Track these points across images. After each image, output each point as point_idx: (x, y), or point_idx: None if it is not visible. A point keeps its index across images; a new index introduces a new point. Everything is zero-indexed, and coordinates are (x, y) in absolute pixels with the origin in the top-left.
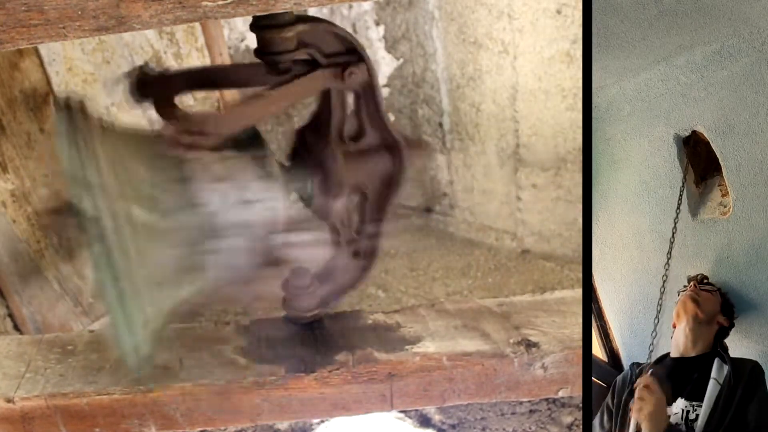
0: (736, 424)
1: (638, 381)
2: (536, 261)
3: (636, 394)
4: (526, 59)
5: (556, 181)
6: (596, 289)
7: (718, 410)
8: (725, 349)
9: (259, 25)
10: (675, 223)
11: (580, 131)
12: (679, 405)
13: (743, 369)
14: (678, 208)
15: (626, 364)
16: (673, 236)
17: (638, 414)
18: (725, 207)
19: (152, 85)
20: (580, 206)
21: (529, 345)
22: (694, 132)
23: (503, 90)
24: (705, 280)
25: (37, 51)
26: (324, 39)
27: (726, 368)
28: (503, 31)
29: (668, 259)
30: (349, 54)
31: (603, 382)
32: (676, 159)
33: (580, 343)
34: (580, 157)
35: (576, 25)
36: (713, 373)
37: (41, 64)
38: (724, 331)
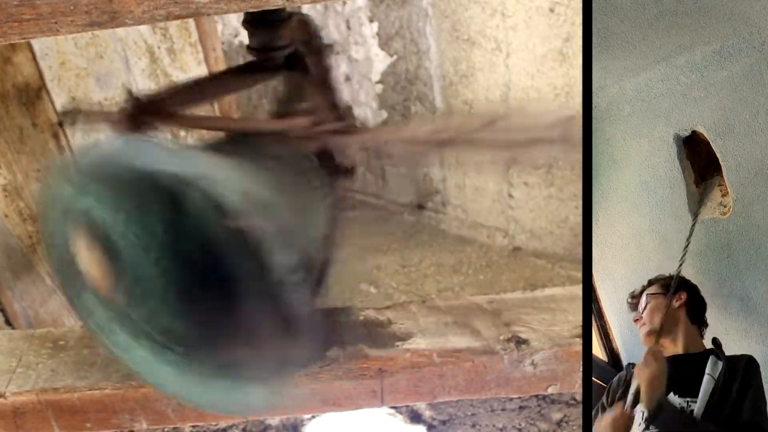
0: (732, 417)
1: (648, 349)
2: (527, 258)
3: (642, 360)
4: (519, 57)
5: (547, 179)
6: (596, 288)
7: (713, 404)
8: (719, 345)
9: (252, 21)
10: (693, 225)
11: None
12: (674, 401)
13: (738, 364)
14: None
15: (626, 363)
16: (688, 239)
17: (640, 374)
18: (725, 207)
19: (145, 112)
20: (571, 204)
21: (519, 342)
22: (694, 132)
23: (496, 87)
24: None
25: (29, 45)
26: (301, 30)
27: (720, 364)
28: (496, 28)
29: (681, 264)
30: (314, 37)
31: (603, 381)
32: (676, 159)
33: (570, 341)
34: (572, 156)
35: (569, 24)
36: (708, 369)
37: (34, 58)
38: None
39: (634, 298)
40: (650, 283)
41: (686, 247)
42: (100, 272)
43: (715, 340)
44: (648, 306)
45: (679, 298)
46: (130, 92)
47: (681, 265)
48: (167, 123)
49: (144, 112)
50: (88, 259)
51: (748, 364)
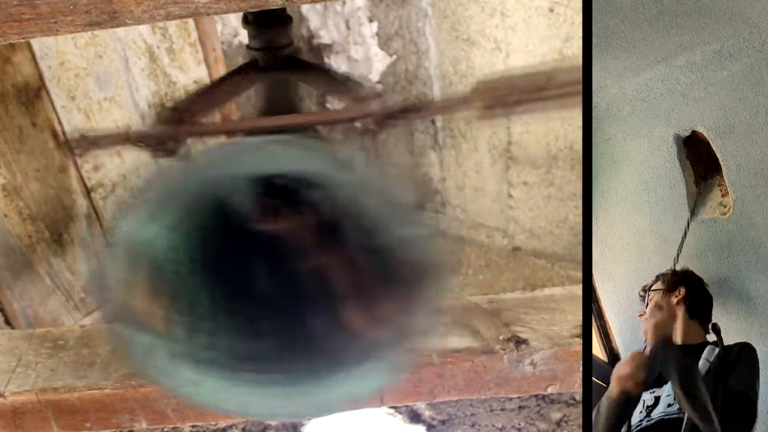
0: (721, 386)
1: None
2: (527, 258)
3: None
4: (519, 57)
5: (547, 179)
6: (596, 288)
7: (706, 382)
8: (718, 331)
9: (253, 20)
10: (687, 224)
11: (571, 129)
12: (669, 389)
13: (734, 349)
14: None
15: None
16: (683, 237)
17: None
18: (725, 207)
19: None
20: (571, 204)
21: (519, 342)
22: (694, 132)
23: None
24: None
25: (29, 45)
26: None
27: (717, 350)
28: (496, 28)
29: (675, 262)
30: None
31: (603, 381)
32: (676, 159)
33: (570, 341)
34: (572, 155)
35: (569, 24)
36: (704, 354)
37: (33, 58)
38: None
39: (645, 293)
40: (657, 278)
41: (681, 243)
42: (157, 306)
43: (714, 326)
44: (651, 301)
45: (678, 293)
46: (162, 106)
47: (675, 262)
48: (192, 133)
49: (172, 124)
50: (144, 295)
51: (745, 347)
